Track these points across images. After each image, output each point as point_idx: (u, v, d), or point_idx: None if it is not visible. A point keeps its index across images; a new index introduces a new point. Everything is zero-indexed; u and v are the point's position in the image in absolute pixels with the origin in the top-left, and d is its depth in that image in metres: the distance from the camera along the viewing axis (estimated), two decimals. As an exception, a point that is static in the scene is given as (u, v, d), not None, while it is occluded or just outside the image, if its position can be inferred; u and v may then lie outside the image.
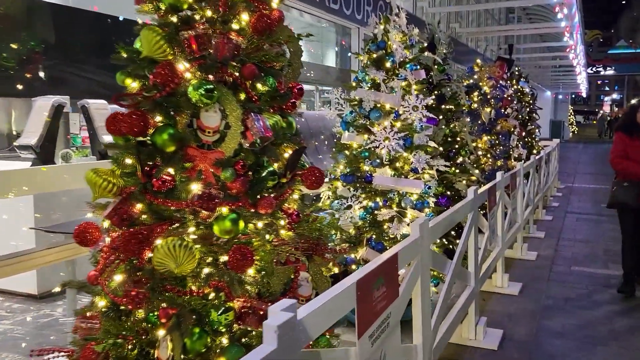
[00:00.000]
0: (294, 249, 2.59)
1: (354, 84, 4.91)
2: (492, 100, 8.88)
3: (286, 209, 2.67)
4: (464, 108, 8.85)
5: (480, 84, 8.80)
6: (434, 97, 6.55)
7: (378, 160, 4.66)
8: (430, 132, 5.12)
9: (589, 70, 41.26)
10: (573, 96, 52.28)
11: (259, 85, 2.55)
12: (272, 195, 2.52)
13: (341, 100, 4.90)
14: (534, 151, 12.86)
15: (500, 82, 10.96)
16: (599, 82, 73.12)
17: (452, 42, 6.92)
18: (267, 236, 2.53)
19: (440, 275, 4.65)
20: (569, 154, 26.05)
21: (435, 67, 6.61)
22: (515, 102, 12.78)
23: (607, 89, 76.27)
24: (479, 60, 8.90)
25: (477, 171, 7.03)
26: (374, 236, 4.65)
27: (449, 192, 6.44)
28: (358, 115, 4.84)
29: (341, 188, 4.83)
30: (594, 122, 45.57)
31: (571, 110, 48.59)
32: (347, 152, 4.91)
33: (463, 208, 4.22)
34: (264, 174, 2.53)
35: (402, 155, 4.70)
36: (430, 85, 6.59)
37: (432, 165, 4.91)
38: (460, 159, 6.64)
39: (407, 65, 4.87)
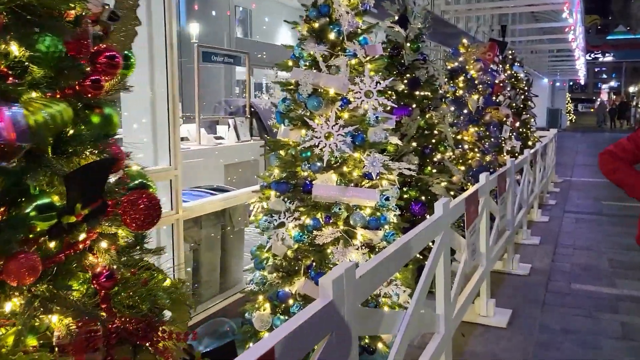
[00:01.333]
0: (97, 337, 1.46)
1: (290, 63, 3.75)
2: (481, 86, 7.73)
3: (90, 267, 1.54)
4: (448, 95, 7.73)
5: (467, 67, 7.65)
6: (405, 81, 5.43)
7: (319, 164, 3.52)
8: (391, 125, 3.97)
9: (587, 57, 40.04)
10: (571, 84, 51.10)
11: (14, 48, 1.41)
12: (37, 250, 1.39)
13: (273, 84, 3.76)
14: (530, 142, 11.73)
15: (491, 66, 9.82)
16: (596, 70, 71.94)
17: (430, 17, 5.72)
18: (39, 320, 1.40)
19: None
20: (566, 143, 24.93)
21: (408, 45, 5.45)
22: (508, 88, 11.65)
23: (604, 76, 75.08)
24: (465, 40, 7.73)
25: (459, 170, 5.89)
26: (313, 264, 3.53)
27: (424, 197, 5.31)
28: (294, 104, 3.69)
29: (273, 199, 3.70)
30: (592, 109, 44.48)
31: (569, 98, 47.44)
32: (282, 152, 3.77)
33: (425, 233, 3.08)
34: (27, 211, 1.40)
35: (351, 156, 3.57)
36: (402, 67, 5.44)
37: (392, 169, 3.77)
38: (438, 156, 5.50)
39: (360, 39, 3.71)
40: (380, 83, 3.55)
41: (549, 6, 13.92)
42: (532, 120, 12.12)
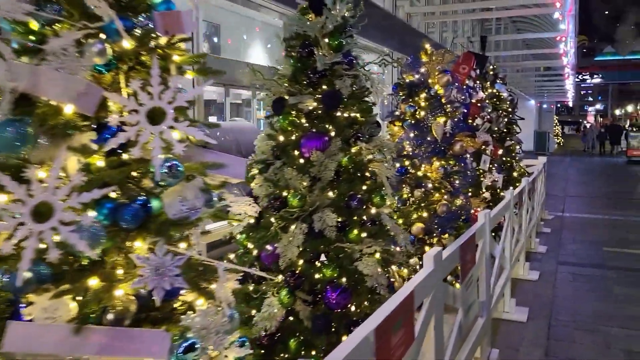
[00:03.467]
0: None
1: None
2: (449, 105, 5.83)
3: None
4: (406, 118, 5.83)
5: (430, 80, 5.76)
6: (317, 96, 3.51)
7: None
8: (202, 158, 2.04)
9: (575, 79, 38.71)
10: (558, 105, 49.80)
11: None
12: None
13: None
14: (515, 174, 9.87)
15: (467, 82, 7.96)
16: (582, 93, 71.06)
17: (364, 3, 3.77)
18: None
19: None
20: (555, 169, 23.18)
21: (326, 41, 3.54)
22: (489, 110, 9.80)
23: (590, 99, 74.22)
24: (427, 45, 5.85)
25: (403, 231, 3.95)
26: None
27: (346, 279, 3.34)
28: None
29: None
30: (577, 132, 42.97)
31: (556, 121, 46.09)
32: None
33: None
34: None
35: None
36: (315, 74, 3.52)
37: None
38: (371, 212, 3.55)
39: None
40: (180, 92, 1.63)
41: (539, 9, 12.04)
42: (518, 147, 10.27)
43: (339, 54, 3.54)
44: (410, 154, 5.72)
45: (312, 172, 3.39)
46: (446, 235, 5.64)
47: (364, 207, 3.54)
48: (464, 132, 5.82)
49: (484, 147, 7.91)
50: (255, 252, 3.50)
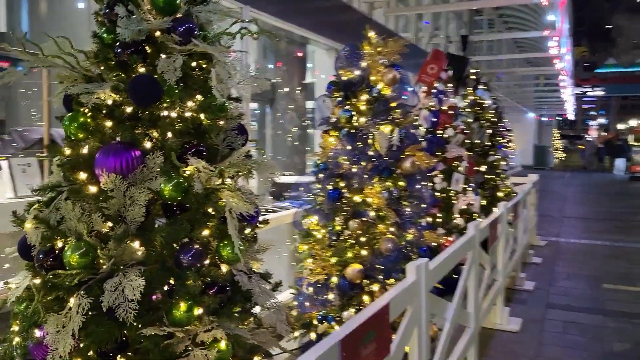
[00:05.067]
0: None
1: None
2: (398, 110, 4.47)
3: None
4: (342, 125, 4.47)
5: (372, 78, 4.40)
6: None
7: None
8: None
9: (576, 91, 37.43)
10: (559, 119, 48.33)
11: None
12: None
13: None
14: (500, 194, 8.51)
15: (436, 84, 6.65)
16: (584, 107, 69.79)
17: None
18: None
19: None
20: (553, 186, 21.81)
21: (150, -2, 2.21)
22: (471, 120, 8.49)
23: (593, 113, 72.87)
24: (371, 33, 4.49)
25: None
26: None
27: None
28: None
29: None
30: (581, 147, 41.71)
31: (557, 135, 44.76)
32: None
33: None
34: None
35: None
36: (127, 48, 2.17)
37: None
38: (220, 271, 2.21)
39: None
40: None
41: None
42: (504, 162, 8.92)
43: (167, 17, 2.22)
44: (346, 172, 4.38)
45: (108, 207, 2.04)
46: (392, 281, 4.28)
47: (205, 263, 2.20)
48: (415, 145, 4.47)
49: (456, 163, 6.58)
50: (17, 340, 2.14)
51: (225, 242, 2.19)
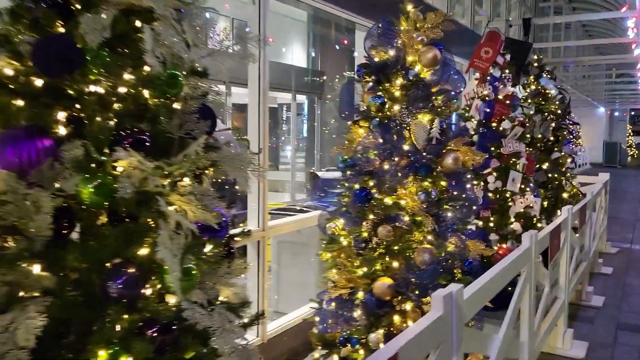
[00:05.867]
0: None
1: None
2: (440, 97, 3.77)
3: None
4: (373, 114, 3.79)
5: (409, 59, 3.72)
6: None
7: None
8: None
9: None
10: (632, 114, 45.29)
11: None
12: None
13: None
14: (565, 195, 7.59)
15: (491, 71, 5.89)
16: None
17: None
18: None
19: None
20: (626, 185, 20.15)
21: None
22: (532, 112, 7.62)
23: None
24: (409, 6, 3.79)
25: None
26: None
27: None
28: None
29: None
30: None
31: (630, 131, 41.99)
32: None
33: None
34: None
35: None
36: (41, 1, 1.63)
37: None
38: (167, 305, 1.64)
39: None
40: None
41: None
42: (570, 161, 7.96)
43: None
44: (377, 170, 3.72)
45: (2, 216, 1.50)
46: (428, 299, 3.60)
47: (143, 293, 1.63)
48: (459, 138, 3.75)
49: (513, 159, 5.78)
50: None
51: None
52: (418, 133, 3.66)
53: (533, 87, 7.74)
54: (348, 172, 3.91)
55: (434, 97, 3.77)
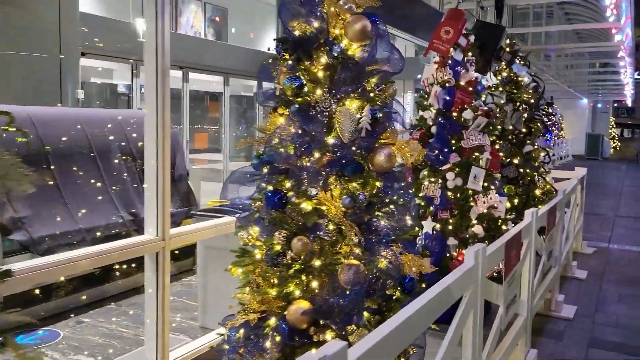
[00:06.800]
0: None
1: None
2: (375, 79, 3.09)
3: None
4: (292, 99, 3.06)
5: (336, 32, 3.03)
6: None
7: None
8: None
9: (636, 76, 34.43)
10: (615, 105, 44.97)
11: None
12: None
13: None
14: (537, 192, 6.98)
15: (452, 54, 5.25)
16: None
17: None
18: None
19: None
20: (606, 178, 19.67)
21: None
22: (502, 100, 7.02)
23: (654, 100, 68.21)
24: (337, -32, 3.10)
25: None
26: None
27: None
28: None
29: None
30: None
31: (613, 123, 41.76)
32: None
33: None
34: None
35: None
36: None
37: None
38: None
39: None
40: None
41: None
42: (544, 155, 7.35)
43: None
44: (293, 168, 3.03)
45: None
46: (352, 327, 2.93)
47: None
48: (394, 130, 3.07)
49: (476, 154, 5.14)
50: None
51: None
52: (344, 123, 2.97)
53: (505, 74, 7.11)
54: (264, 170, 3.22)
55: (365, 80, 3.09)
